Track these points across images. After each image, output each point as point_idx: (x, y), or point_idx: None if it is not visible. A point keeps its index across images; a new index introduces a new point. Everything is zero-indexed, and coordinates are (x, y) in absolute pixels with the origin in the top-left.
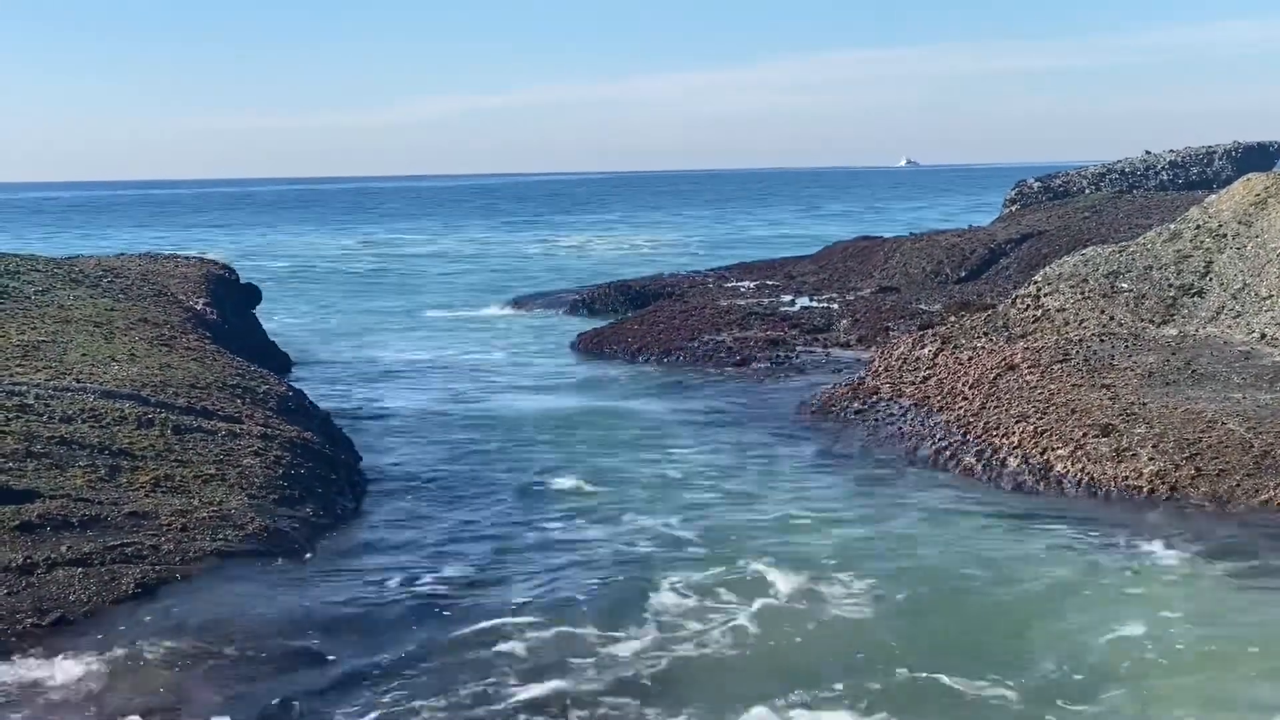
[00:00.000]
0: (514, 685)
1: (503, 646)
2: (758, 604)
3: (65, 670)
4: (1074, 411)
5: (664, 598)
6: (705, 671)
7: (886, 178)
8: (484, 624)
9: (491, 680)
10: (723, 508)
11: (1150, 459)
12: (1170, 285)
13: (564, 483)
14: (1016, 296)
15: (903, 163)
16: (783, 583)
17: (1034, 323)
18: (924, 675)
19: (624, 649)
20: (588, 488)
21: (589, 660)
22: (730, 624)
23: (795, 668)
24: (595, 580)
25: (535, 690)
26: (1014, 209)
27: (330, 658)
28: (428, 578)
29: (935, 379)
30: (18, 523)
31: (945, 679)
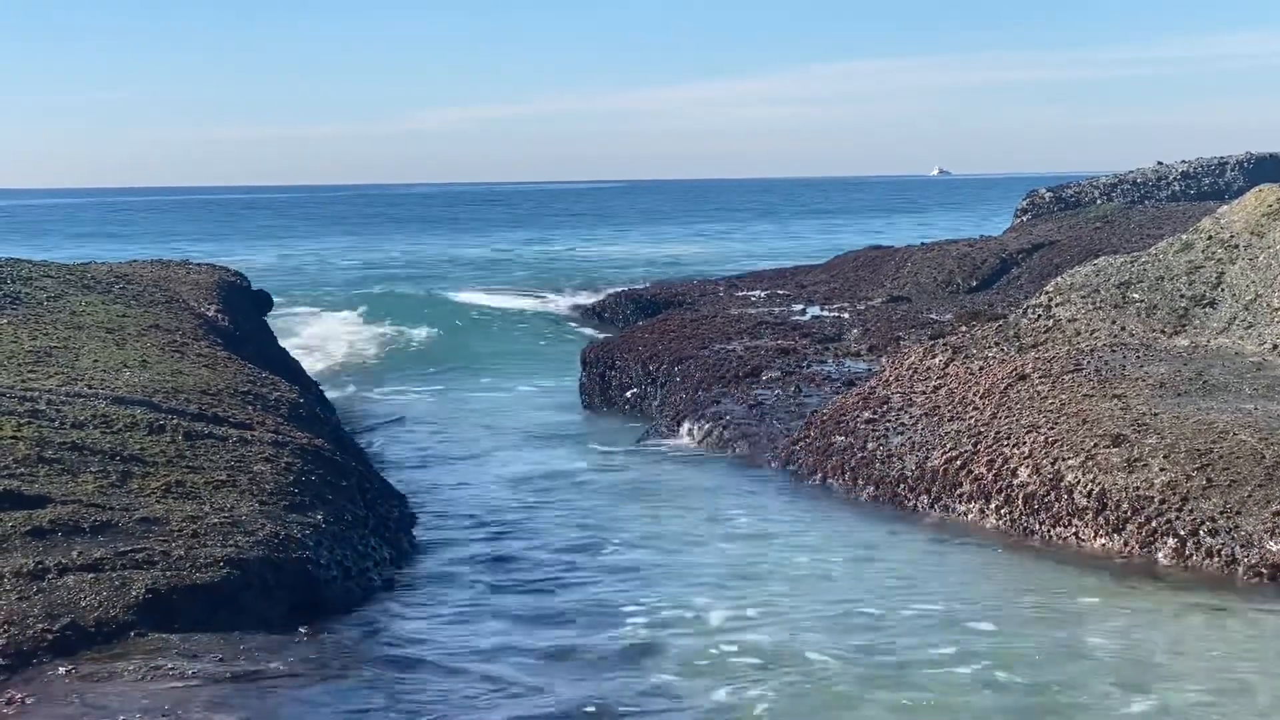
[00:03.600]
0: None
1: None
2: None
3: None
4: (1085, 421)
5: None
6: None
7: (923, 187)
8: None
9: None
10: (774, 586)
11: (1161, 469)
12: (1182, 296)
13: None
14: (1027, 306)
15: (935, 172)
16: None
17: (1045, 333)
18: None
19: None
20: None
21: None
22: None
23: None
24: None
25: None
26: (1025, 219)
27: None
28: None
29: (946, 388)
30: (29, 528)
31: None
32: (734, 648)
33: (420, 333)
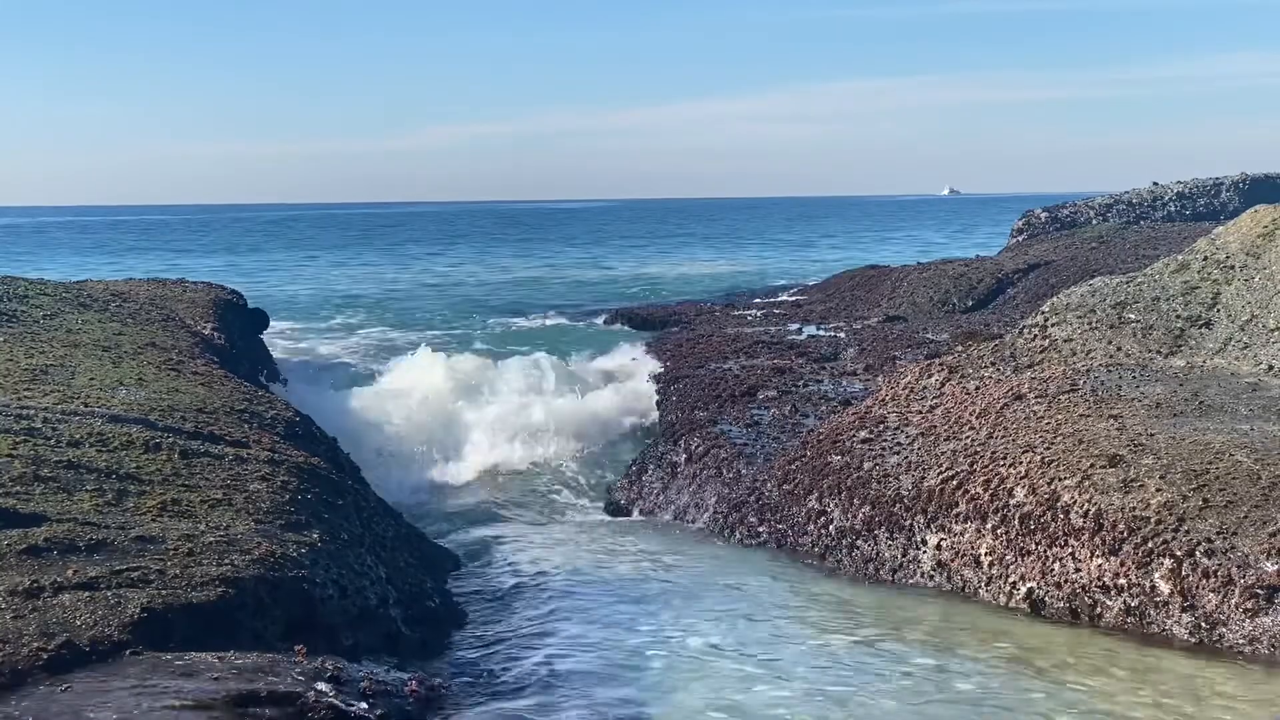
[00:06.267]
0: None
1: None
2: None
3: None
4: (1081, 442)
5: None
6: None
7: (933, 206)
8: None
9: None
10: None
11: (1158, 489)
12: (1178, 316)
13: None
14: (1024, 326)
15: (946, 191)
16: None
17: (1041, 353)
18: None
19: None
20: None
21: None
22: None
23: None
24: None
25: None
26: (1021, 239)
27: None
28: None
29: (942, 408)
30: (24, 546)
31: None
32: None
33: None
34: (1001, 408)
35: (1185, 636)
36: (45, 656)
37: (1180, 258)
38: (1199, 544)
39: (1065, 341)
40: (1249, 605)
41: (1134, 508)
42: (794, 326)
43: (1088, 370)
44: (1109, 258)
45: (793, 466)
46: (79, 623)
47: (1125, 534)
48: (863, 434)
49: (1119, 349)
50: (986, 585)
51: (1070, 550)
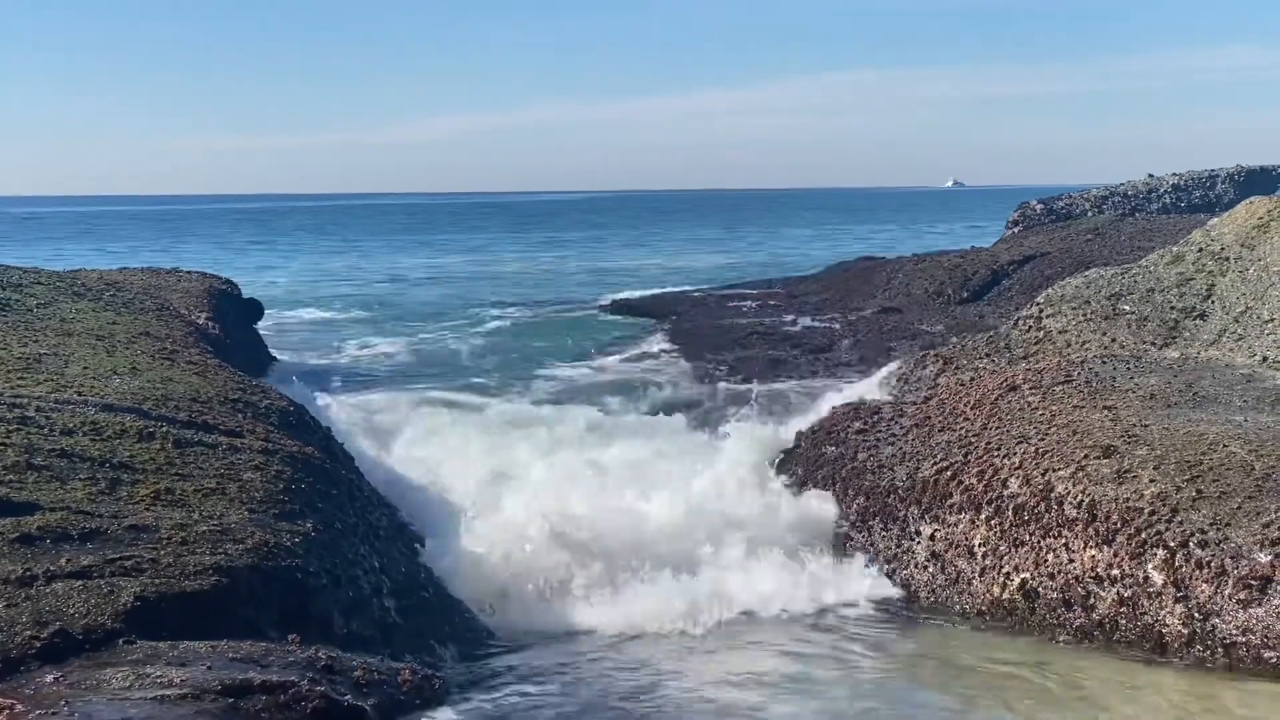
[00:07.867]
0: None
1: None
2: None
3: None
4: (1075, 433)
5: None
6: None
7: (937, 198)
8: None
9: None
10: None
11: (1151, 480)
12: (1172, 308)
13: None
14: (1018, 318)
15: (949, 184)
16: None
17: (1036, 344)
18: None
19: None
20: None
21: None
22: None
23: None
24: None
25: None
26: (1016, 230)
27: None
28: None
29: (937, 399)
30: (17, 535)
31: None
32: None
33: None
34: (996, 399)
35: (1178, 627)
36: (38, 645)
37: (1175, 249)
38: (1192, 535)
39: (1060, 333)
40: (1242, 596)
41: (1128, 498)
42: (789, 318)
43: (1082, 361)
44: (1104, 249)
45: (787, 458)
46: (72, 611)
47: (1119, 525)
48: (857, 425)
49: (1114, 340)
50: (980, 576)
51: (1064, 541)
